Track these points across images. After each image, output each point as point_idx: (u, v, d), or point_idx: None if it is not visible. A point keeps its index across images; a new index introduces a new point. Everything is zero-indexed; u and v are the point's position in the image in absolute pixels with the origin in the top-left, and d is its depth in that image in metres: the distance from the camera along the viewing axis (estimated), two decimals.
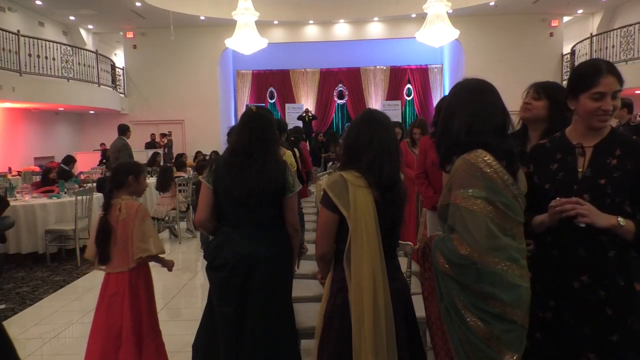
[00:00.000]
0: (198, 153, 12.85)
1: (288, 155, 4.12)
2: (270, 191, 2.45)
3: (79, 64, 13.24)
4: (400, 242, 2.60)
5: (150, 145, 14.00)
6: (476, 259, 1.69)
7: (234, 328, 2.47)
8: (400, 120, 15.70)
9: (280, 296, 2.52)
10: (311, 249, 3.34)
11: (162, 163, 10.90)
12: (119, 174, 2.97)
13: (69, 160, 9.31)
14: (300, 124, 15.11)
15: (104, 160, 11.88)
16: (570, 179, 1.84)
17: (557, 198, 1.78)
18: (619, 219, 1.72)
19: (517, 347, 1.74)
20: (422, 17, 12.59)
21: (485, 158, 1.75)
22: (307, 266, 3.45)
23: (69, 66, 12.82)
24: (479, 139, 1.78)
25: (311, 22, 16.07)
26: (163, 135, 14.69)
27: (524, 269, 1.75)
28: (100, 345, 2.85)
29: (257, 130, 2.49)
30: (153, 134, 14.82)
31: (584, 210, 1.72)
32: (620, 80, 1.80)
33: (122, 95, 15.82)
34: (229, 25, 12.56)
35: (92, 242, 2.92)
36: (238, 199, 2.43)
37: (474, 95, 1.86)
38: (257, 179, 2.41)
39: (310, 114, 16.77)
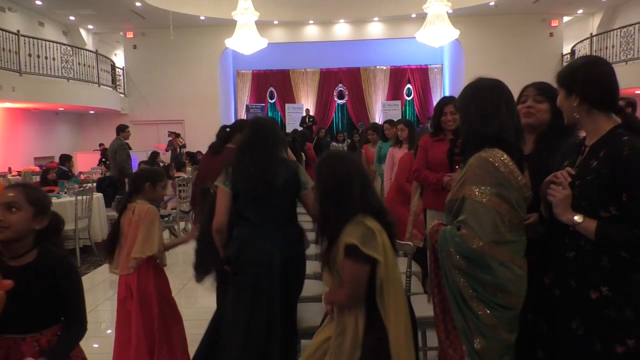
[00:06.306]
0: (198, 153, 12.83)
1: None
2: (287, 187, 2.49)
3: (79, 64, 13.22)
4: (400, 242, 2.61)
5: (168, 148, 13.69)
6: (487, 252, 1.75)
7: (265, 323, 2.46)
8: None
9: (299, 290, 2.60)
10: (311, 247, 3.34)
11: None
12: (138, 179, 3.01)
13: (65, 159, 9.34)
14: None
15: (104, 160, 11.85)
16: None
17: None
18: (576, 216, 1.70)
19: (514, 327, 1.82)
20: (422, 17, 12.58)
21: (502, 157, 1.81)
22: (307, 267, 3.43)
23: (69, 66, 12.80)
24: (505, 137, 1.84)
25: (311, 22, 16.06)
26: (176, 135, 14.12)
27: (524, 260, 1.83)
28: (116, 347, 2.92)
29: (257, 130, 2.53)
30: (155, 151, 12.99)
31: (555, 193, 1.76)
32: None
33: (122, 95, 15.80)
34: (229, 25, 12.56)
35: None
36: (260, 194, 2.44)
37: (500, 95, 1.89)
38: (265, 173, 2.44)
39: (310, 118, 16.65)
